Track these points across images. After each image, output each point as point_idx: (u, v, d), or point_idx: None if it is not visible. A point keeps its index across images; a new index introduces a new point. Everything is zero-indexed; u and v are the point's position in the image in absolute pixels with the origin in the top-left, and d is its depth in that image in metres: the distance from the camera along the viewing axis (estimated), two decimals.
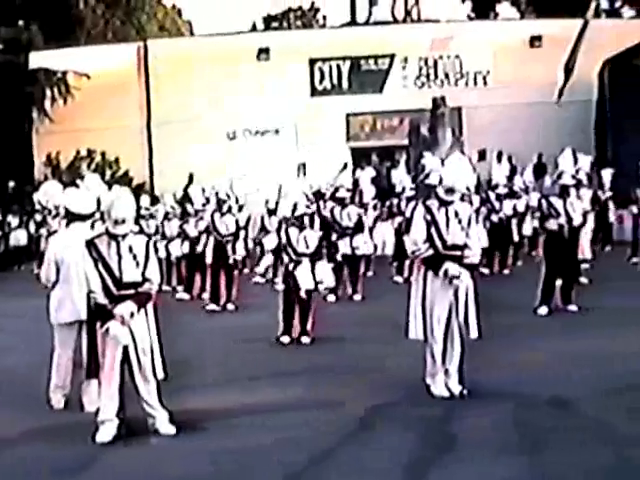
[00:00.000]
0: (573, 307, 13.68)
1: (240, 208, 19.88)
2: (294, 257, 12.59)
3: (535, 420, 7.83)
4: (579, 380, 9.11)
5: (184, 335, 12.51)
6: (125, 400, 7.87)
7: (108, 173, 27.02)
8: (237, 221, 17.08)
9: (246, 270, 20.53)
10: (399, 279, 18.47)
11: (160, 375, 7.96)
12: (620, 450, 6.86)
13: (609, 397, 8.40)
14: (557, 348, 10.79)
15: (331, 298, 16.23)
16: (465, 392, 8.73)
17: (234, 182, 19.01)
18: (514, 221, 20.22)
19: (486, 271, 18.78)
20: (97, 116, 28.07)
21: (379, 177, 25.95)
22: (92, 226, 9.10)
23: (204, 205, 18.20)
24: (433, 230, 8.76)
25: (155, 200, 22.12)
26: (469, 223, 8.83)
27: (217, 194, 17.48)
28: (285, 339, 12.31)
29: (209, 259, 16.84)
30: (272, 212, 20.43)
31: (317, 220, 15.96)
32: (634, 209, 19.29)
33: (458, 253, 8.72)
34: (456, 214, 8.79)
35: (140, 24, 35.59)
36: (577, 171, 16.03)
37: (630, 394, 8.43)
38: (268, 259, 15.34)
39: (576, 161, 16.80)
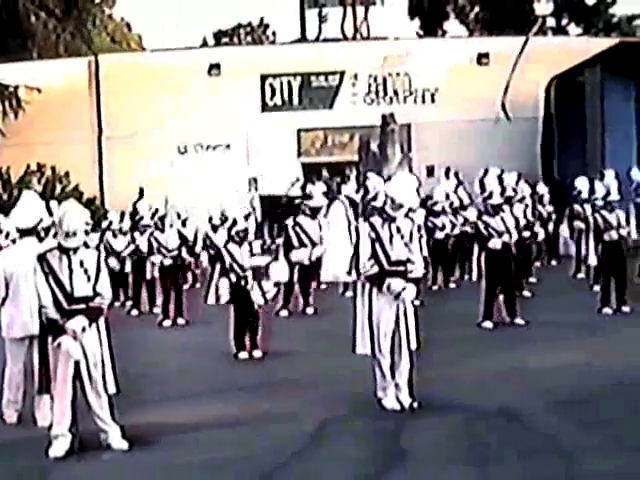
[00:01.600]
0: (519, 321, 13.88)
1: (184, 223, 19.92)
2: (240, 273, 12.62)
3: (484, 432, 7.95)
4: (527, 393, 9.25)
5: (136, 350, 12.50)
6: (78, 415, 7.87)
7: (58, 187, 26.85)
8: (181, 235, 17.12)
9: (197, 285, 20.53)
10: (351, 293, 18.54)
11: (112, 390, 7.97)
12: (568, 462, 6.99)
13: (557, 409, 8.55)
14: (505, 361, 10.94)
15: (284, 313, 16.28)
16: (415, 405, 8.83)
17: (169, 197, 19.13)
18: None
19: (435, 287, 18.96)
20: (48, 130, 27.92)
21: (330, 192, 26.08)
22: (40, 240, 9.13)
23: (153, 219, 18.20)
24: (377, 247, 8.99)
25: (106, 214, 22.03)
26: (411, 237, 9.10)
27: (165, 208, 17.51)
28: (243, 355, 12.32)
29: (157, 274, 16.87)
30: (216, 228, 20.43)
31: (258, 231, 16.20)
32: (579, 224, 19.55)
33: (402, 268, 8.97)
34: (398, 230, 9.05)
35: (91, 38, 35.48)
36: (504, 189, 16.18)
37: (577, 406, 8.58)
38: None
39: (501, 179, 17.06)
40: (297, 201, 17.89)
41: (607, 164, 22.23)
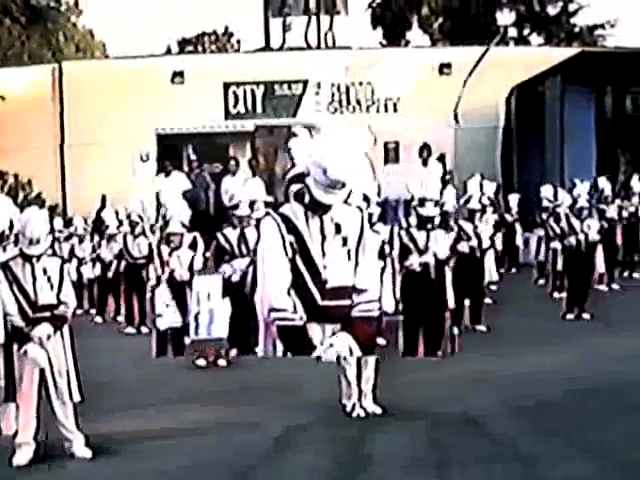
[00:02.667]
0: (482, 327, 13.97)
1: (152, 229, 19.85)
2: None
3: (447, 438, 8.03)
4: (489, 398, 9.34)
5: (101, 358, 12.48)
6: (42, 423, 7.87)
7: (21, 195, 26.76)
8: (150, 244, 17.07)
9: None
10: None
11: (77, 398, 7.96)
12: (528, 467, 7.08)
13: (518, 415, 8.65)
14: (467, 367, 11.02)
15: None
16: (380, 411, 8.88)
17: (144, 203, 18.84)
18: None
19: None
20: (11, 137, 27.78)
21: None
22: (4, 249, 9.10)
23: (118, 227, 18.14)
24: (300, 263, 5.02)
25: (69, 222, 21.95)
26: (359, 245, 5.17)
27: (129, 216, 17.44)
28: (201, 362, 12.32)
29: (122, 282, 16.82)
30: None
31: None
32: (539, 232, 19.72)
33: (345, 302, 5.09)
34: (338, 228, 5.13)
35: (58, 45, 35.35)
36: (481, 196, 16.26)
37: (537, 412, 8.68)
38: None
39: (482, 187, 17.15)
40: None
41: (567, 173, 22.48)
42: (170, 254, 12.37)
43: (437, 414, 8.81)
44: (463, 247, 14.00)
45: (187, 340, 12.63)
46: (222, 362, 12.36)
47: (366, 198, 6.44)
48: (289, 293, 4.95)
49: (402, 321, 11.63)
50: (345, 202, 5.19)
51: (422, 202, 11.87)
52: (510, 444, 7.69)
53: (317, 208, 5.04)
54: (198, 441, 8.30)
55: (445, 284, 11.76)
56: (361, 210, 5.44)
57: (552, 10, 37.75)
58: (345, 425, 8.62)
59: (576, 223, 15.04)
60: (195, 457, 7.81)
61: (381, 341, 8.94)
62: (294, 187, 9.33)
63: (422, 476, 7.00)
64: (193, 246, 13.07)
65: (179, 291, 12.19)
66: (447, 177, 17.65)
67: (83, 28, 43.57)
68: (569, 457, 7.20)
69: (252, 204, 11.78)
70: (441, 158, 19.22)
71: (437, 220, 12.06)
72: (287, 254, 4.97)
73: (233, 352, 12.04)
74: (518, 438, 7.86)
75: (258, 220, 11.16)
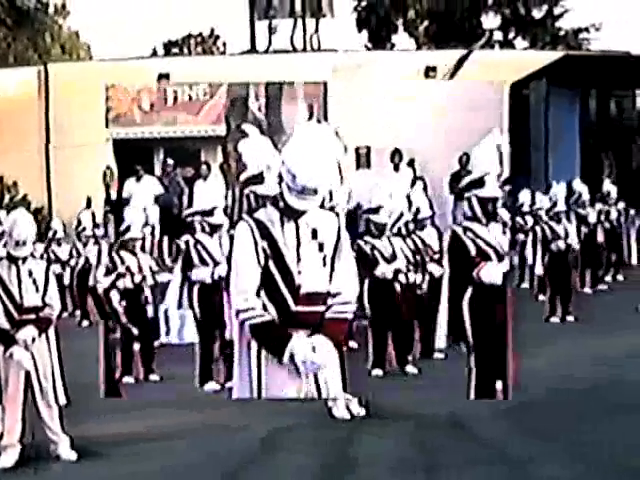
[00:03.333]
0: None
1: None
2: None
3: (434, 440, 8.06)
4: (475, 401, 9.36)
5: (86, 361, 12.44)
6: (27, 425, 7.87)
7: (7, 197, 26.73)
8: (99, 249, 16.91)
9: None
10: None
11: (62, 400, 7.97)
12: (514, 469, 7.11)
13: (504, 417, 8.68)
14: (453, 369, 11.03)
15: None
16: (364, 413, 8.90)
17: None
18: None
19: None
20: None
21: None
22: None
23: (92, 229, 18.08)
24: (273, 269, 5.05)
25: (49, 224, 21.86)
26: (336, 251, 5.16)
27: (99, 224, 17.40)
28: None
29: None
30: None
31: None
32: (522, 236, 19.37)
33: (319, 309, 5.07)
34: (314, 234, 5.13)
35: (44, 47, 35.31)
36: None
37: (525, 414, 8.71)
38: None
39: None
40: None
41: (551, 176, 22.52)
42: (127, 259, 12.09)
43: (424, 415, 8.83)
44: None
45: (156, 343, 12.60)
46: None
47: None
48: (258, 295, 4.99)
49: (370, 329, 11.62)
50: (322, 207, 5.24)
51: (377, 210, 11.78)
52: (497, 446, 7.72)
53: (291, 213, 5.07)
54: (183, 444, 8.31)
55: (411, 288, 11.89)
56: (338, 215, 5.51)
57: (537, 14, 37.91)
58: (331, 427, 8.64)
59: (557, 227, 15.11)
60: (180, 460, 7.82)
61: (352, 344, 8.82)
62: (250, 189, 9.35)
63: (409, 478, 7.02)
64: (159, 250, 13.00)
65: (134, 296, 11.95)
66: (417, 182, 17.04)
67: (69, 30, 43.53)
68: (555, 459, 7.23)
69: (212, 210, 11.50)
70: (411, 163, 18.82)
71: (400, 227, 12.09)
72: (259, 260, 4.99)
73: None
74: (505, 440, 7.90)
75: (213, 227, 11.32)
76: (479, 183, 8.14)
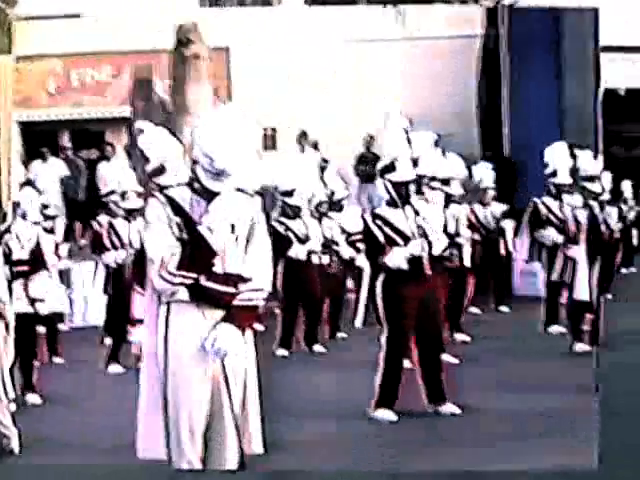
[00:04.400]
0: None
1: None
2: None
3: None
4: None
5: None
6: None
7: None
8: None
9: None
10: None
11: (11, 395, 7.84)
12: None
13: None
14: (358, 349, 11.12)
15: None
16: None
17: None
18: None
19: None
20: None
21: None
22: None
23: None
24: (187, 245, 4.99)
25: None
26: (250, 233, 5.13)
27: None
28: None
29: None
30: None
31: None
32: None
33: (229, 289, 5.01)
34: (227, 216, 5.06)
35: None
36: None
37: None
38: None
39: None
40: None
41: None
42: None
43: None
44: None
45: (62, 327, 12.46)
46: None
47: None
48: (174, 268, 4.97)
49: (281, 310, 11.73)
50: (239, 190, 5.19)
51: (290, 192, 11.91)
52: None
53: (206, 194, 5.04)
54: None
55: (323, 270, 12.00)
56: (253, 197, 5.57)
57: None
58: None
59: None
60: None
61: (259, 327, 8.71)
62: (156, 180, 9.22)
63: None
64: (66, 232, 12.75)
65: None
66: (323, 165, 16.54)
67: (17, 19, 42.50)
68: None
69: (123, 194, 11.37)
70: (315, 145, 18.57)
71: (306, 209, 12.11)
72: (174, 233, 4.99)
73: (108, 340, 11.56)
74: None
75: (128, 211, 11.17)
76: (391, 168, 8.21)
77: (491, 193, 14.68)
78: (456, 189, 11.87)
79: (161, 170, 8.95)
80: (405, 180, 8.17)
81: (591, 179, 11.15)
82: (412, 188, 8.28)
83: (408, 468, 6.78)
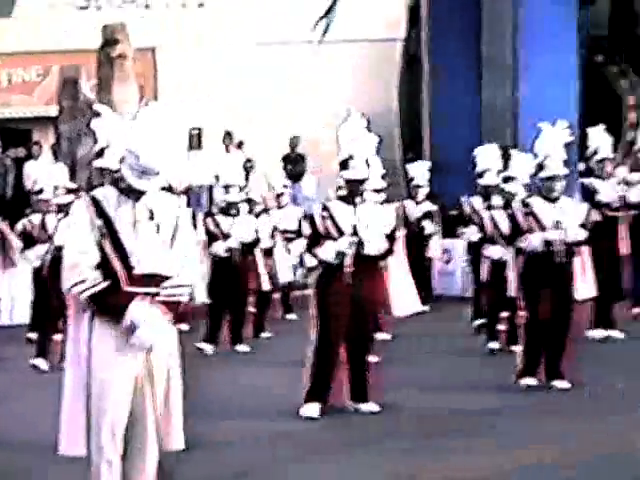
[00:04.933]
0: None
1: None
2: None
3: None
4: None
5: None
6: None
7: None
8: None
9: None
10: None
11: None
12: None
13: None
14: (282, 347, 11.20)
15: None
16: None
17: None
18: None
19: None
20: None
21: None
22: None
23: None
24: (108, 247, 5.06)
25: None
26: (175, 233, 5.19)
27: None
28: None
29: None
30: None
31: None
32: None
33: (153, 290, 5.10)
34: (151, 215, 5.15)
35: None
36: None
37: None
38: None
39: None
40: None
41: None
42: None
43: None
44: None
45: None
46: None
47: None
48: (94, 270, 5.05)
49: (208, 307, 11.78)
50: (164, 189, 5.31)
51: (226, 188, 12.02)
52: None
53: (131, 193, 5.11)
54: None
55: (254, 268, 12.14)
56: (179, 196, 5.51)
57: None
58: None
59: None
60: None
61: (184, 326, 8.75)
62: (99, 162, 9.19)
63: None
64: None
65: None
66: (248, 165, 16.63)
67: None
68: None
69: (55, 190, 11.25)
70: (240, 145, 18.70)
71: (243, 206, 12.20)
72: (95, 237, 5.05)
73: (33, 337, 11.39)
74: None
75: (60, 206, 10.98)
76: (344, 165, 8.37)
77: (423, 191, 15.24)
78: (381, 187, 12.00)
79: (101, 153, 9.26)
80: (358, 178, 8.31)
81: (508, 179, 11.41)
82: (363, 187, 8.41)
83: (329, 466, 6.85)
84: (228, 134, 18.56)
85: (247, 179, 13.75)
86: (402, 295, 8.66)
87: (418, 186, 15.26)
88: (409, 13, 18.51)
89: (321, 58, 18.55)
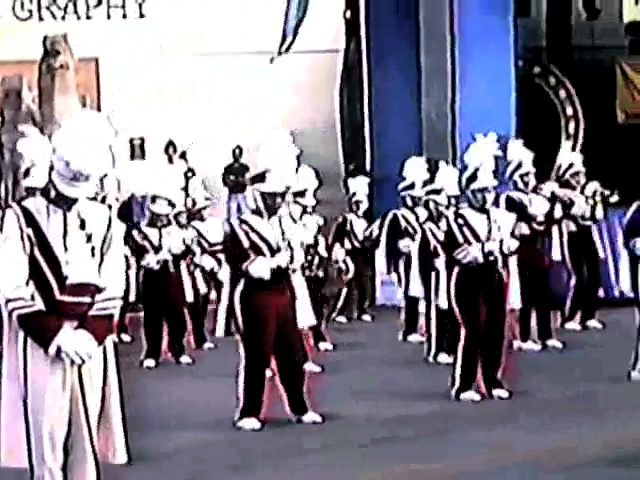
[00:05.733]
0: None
1: None
2: None
3: None
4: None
5: None
6: None
7: None
8: None
9: None
10: None
11: None
12: None
13: None
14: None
15: None
16: None
17: None
18: None
19: None
20: None
21: None
22: None
23: None
24: (39, 256, 5.03)
25: None
26: (106, 243, 5.14)
27: None
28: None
29: None
30: None
31: None
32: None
33: (85, 300, 5.08)
34: (82, 224, 5.11)
35: None
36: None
37: None
38: None
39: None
40: None
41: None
42: None
43: None
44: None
45: None
46: None
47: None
48: (27, 285, 5.03)
49: (144, 320, 11.84)
50: (94, 198, 5.38)
51: (154, 199, 11.99)
52: None
53: (61, 202, 5.08)
54: None
55: (182, 279, 12.13)
56: (110, 207, 5.66)
57: None
58: None
59: None
60: None
61: (125, 337, 8.75)
62: (26, 182, 9.16)
63: None
64: None
65: None
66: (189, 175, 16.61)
67: None
68: None
69: None
70: (183, 155, 18.74)
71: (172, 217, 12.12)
72: (25, 247, 5.03)
73: None
74: None
75: None
76: (260, 178, 8.43)
77: (363, 206, 15.60)
78: (309, 201, 12.17)
79: (27, 173, 9.36)
80: (275, 191, 8.36)
81: (438, 192, 11.62)
82: (280, 200, 8.44)
83: (269, 477, 6.96)
84: (171, 144, 18.61)
85: (187, 189, 13.76)
86: (301, 307, 8.78)
87: (359, 201, 15.56)
88: (348, 25, 18.64)
89: (262, 69, 18.69)
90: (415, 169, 12.75)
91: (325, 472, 6.93)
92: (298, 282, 9.00)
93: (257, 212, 8.43)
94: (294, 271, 8.62)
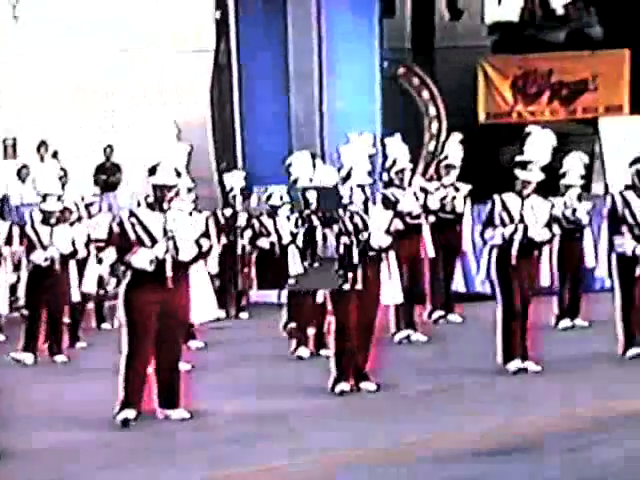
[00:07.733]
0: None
1: None
2: None
3: None
4: None
5: None
6: None
7: None
8: None
9: None
10: None
11: None
12: None
13: None
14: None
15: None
16: None
17: None
18: None
19: None
20: None
21: None
22: None
23: None
24: None
25: None
26: None
27: None
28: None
29: None
30: None
31: None
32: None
33: None
34: None
35: None
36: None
37: None
38: None
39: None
40: None
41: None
42: None
43: None
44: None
45: None
46: None
47: None
48: None
49: (25, 317, 11.87)
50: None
51: (44, 197, 12.02)
52: None
53: None
54: None
55: (69, 279, 12.14)
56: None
57: None
58: None
59: None
60: None
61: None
62: None
63: None
64: None
65: None
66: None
67: None
68: None
69: None
70: (55, 155, 18.80)
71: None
72: None
73: None
74: None
75: None
76: (152, 171, 8.52)
77: (239, 200, 15.85)
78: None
79: None
80: (164, 184, 8.45)
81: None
82: (171, 194, 8.50)
83: (138, 474, 6.98)
84: (43, 143, 18.52)
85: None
86: (200, 302, 8.84)
87: (235, 196, 15.74)
88: (217, 25, 18.80)
89: (133, 68, 18.73)
90: (301, 164, 12.71)
91: (196, 469, 6.97)
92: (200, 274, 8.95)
93: (150, 205, 8.54)
94: (190, 264, 8.52)
